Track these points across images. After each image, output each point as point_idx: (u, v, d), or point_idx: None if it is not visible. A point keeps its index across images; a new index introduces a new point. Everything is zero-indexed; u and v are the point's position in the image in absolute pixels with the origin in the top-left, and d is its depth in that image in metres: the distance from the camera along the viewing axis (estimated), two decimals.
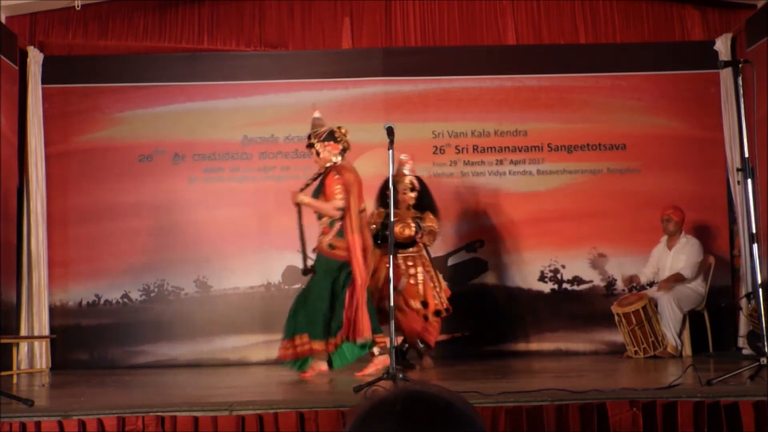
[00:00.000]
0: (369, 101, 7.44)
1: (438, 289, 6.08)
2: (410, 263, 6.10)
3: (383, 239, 5.84)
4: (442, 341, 7.22)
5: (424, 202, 6.20)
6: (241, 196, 7.37)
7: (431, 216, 6.16)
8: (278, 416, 3.50)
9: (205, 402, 3.81)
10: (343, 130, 5.59)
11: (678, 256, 6.84)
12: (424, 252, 6.20)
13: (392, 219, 4.66)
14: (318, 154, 5.54)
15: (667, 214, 6.90)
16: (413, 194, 6.17)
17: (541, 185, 7.43)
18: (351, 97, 7.47)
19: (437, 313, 5.99)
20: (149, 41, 7.58)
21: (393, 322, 4.47)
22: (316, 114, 5.71)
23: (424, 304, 5.95)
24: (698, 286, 6.85)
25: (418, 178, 6.28)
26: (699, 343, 6.79)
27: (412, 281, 6.02)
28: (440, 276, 6.26)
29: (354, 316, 5.28)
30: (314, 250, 5.59)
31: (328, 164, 5.52)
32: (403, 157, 6.23)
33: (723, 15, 7.68)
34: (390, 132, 4.65)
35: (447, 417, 1.15)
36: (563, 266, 7.32)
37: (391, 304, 4.50)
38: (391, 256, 4.63)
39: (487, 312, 7.29)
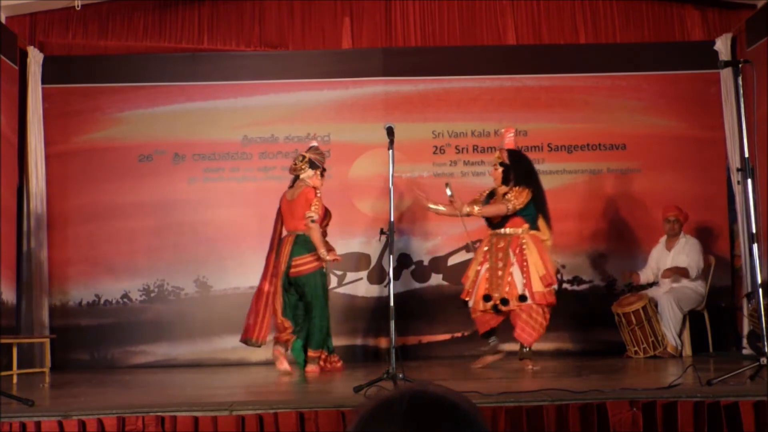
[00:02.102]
0: (369, 101, 7.44)
1: (527, 275, 5.64)
2: (500, 245, 5.78)
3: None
4: (443, 341, 7.23)
5: (509, 176, 5.86)
6: (241, 196, 7.36)
7: (516, 189, 5.78)
8: (278, 416, 3.50)
9: (205, 402, 3.81)
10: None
11: (678, 257, 6.84)
12: (523, 232, 5.78)
13: (392, 218, 4.66)
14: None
15: (672, 214, 6.89)
16: (500, 170, 5.89)
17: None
18: (351, 97, 7.47)
19: (504, 301, 5.65)
20: (149, 41, 7.58)
21: (393, 321, 4.47)
22: (315, 143, 6.21)
23: (486, 297, 5.69)
24: (698, 286, 6.85)
25: (511, 152, 5.96)
26: (699, 343, 6.80)
27: (488, 268, 5.76)
28: (543, 259, 5.73)
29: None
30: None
31: None
32: (503, 130, 6.14)
33: (723, 15, 7.68)
34: (390, 132, 4.65)
35: (452, 417, 1.15)
36: (563, 266, 7.31)
37: (391, 304, 4.50)
38: (391, 256, 4.63)
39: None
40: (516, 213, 5.75)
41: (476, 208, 5.76)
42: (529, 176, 5.89)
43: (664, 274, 6.79)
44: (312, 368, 5.84)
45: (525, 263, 5.67)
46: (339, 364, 6.04)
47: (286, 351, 5.92)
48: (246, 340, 5.96)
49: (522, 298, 5.62)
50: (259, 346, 5.99)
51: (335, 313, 6.93)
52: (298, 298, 5.93)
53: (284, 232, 6.02)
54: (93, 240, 7.26)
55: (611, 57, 7.61)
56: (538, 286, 5.63)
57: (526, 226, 5.80)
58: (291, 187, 6.07)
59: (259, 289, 6.02)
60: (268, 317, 5.91)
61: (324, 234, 6.00)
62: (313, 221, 5.74)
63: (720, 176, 7.39)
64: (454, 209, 5.74)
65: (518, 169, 5.89)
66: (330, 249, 5.97)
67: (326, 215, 6.06)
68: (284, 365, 5.79)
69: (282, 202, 6.06)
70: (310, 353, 5.87)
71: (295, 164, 6.04)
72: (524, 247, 5.70)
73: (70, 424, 3.48)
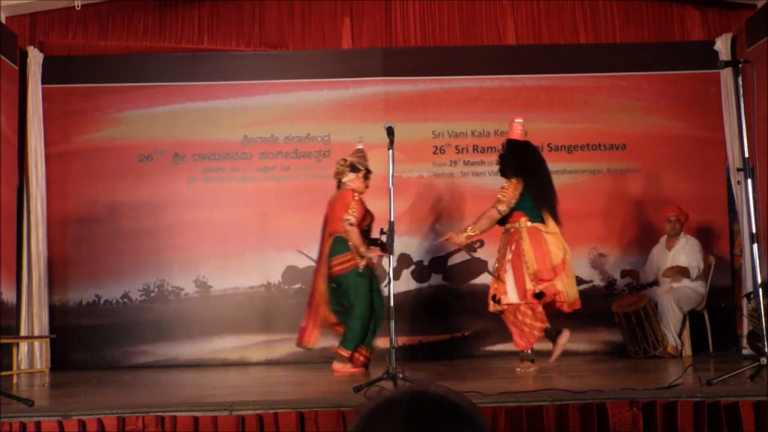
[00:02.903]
0: (369, 101, 7.45)
1: (520, 274, 5.42)
2: (504, 242, 5.60)
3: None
4: (443, 341, 7.23)
5: (505, 168, 5.70)
6: (241, 196, 7.37)
7: (505, 184, 5.59)
8: (278, 416, 3.50)
9: (205, 402, 3.81)
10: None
11: (677, 257, 6.84)
12: (521, 225, 5.53)
13: (392, 218, 4.66)
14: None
15: (673, 214, 6.89)
16: (498, 163, 5.77)
17: None
18: (351, 97, 7.47)
19: (493, 298, 5.56)
20: (149, 41, 7.58)
21: (393, 322, 4.46)
22: (361, 146, 6.10)
23: (494, 298, 5.58)
24: (698, 286, 6.85)
25: (508, 142, 5.71)
26: (699, 343, 6.80)
27: (496, 268, 5.65)
28: (536, 254, 5.45)
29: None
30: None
31: None
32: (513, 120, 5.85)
33: (723, 15, 7.68)
34: (390, 132, 4.65)
35: (452, 417, 1.15)
36: None
37: (391, 304, 4.49)
38: (391, 256, 4.63)
39: (487, 312, 7.27)
40: (515, 208, 5.56)
41: (469, 229, 5.60)
42: (522, 166, 5.63)
43: (665, 273, 6.79)
44: (338, 366, 5.80)
45: (519, 261, 5.47)
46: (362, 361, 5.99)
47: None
48: (299, 345, 6.08)
49: (538, 295, 5.42)
50: (310, 350, 6.11)
51: None
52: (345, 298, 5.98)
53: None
54: (93, 240, 7.26)
55: (611, 57, 7.61)
56: (529, 284, 5.42)
57: (525, 219, 5.54)
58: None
59: (310, 293, 6.15)
60: (318, 320, 5.97)
61: (368, 233, 6.00)
62: (350, 224, 5.76)
63: (720, 176, 7.39)
64: (457, 243, 5.74)
65: (510, 160, 5.68)
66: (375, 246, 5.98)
67: (366, 215, 6.00)
68: (348, 370, 5.82)
69: (327, 206, 6.08)
70: (340, 351, 5.82)
71: (337, 169, 6.04)
72: (521, 242, 5.50)
73: (70, 424, 3.48)
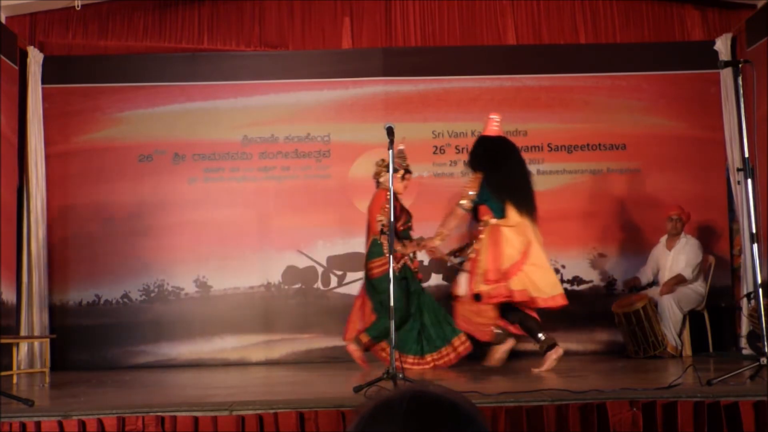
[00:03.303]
0: (369, 101, 7.45)
1: (473, 274, 5.53)
2: (477, 239, 5.71)
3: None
4: None
5: (469, 164, 5.83)
6: (241, 196, 7.37)
7: (469, 177, 5.71)
8: (278, 416, 3.50)
9: (205, 402, 3.81)
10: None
11: (678, 257, 6.84)
12: (484, 224, 5.61)
13: (392, 217, 4.66)
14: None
15: (675, 213, 6.90)
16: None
17: (541, 185, 7.39)
18: (351, 97, 7.47)
19: (477, 296, 5.59)
20: (149, 41, 7.58)
21: (393, 321, 4.46)
22: (402, 146, 6.00)
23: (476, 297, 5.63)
24: (698, 286, 6.85)
25: (480, 138, 5.86)
26: (699, 343, 6.80)
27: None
28: (489, 255, 5.50)
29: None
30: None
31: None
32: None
33: (723, 15, 7.68)
34: (390, 132, 4.65)
35: (452, 417, 1.15)
36: (563, 266, 7.31)
37: (391, 303, 4.49)
38: (391, 256, 4.63)
39: None
40: (479, 202, 5.61)
41: (438, 231, 5.69)
42: (481, 161, 5.69)
43: (662, 291, 6.76)
44: (351, 347, 5.87)
45: (476, 259, 5.57)
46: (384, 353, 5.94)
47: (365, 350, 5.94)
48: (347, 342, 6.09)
49: (476, 297, 5.53)
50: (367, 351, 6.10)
51: (335, 312, 6.94)
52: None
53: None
54: (93, 240, 7.26)
55: (611, 57, 7.61)
56: (475, 284, 5.52)
57: (488, 215, 5.61)
58: None
59: (358, 295, 6.20)
60: (356, 320, 6.00)
61: (407, 232, 6.00)
62: (383, 225, 5.78)
63: (720, 176, 7.39)
64: (437, 246, 5.81)
65: (472, 155, 5.80)
66: (420, 243, 5.93)
67: (401, 214, 5.98)
68: (357, 356, 5.85)
69: (368, 209, 6.10)
70: (362, 336, 5.86)
71: (375, 169, 6.05)
72: (480, 242, 5.59)
73: (70, 424, 3.48)
